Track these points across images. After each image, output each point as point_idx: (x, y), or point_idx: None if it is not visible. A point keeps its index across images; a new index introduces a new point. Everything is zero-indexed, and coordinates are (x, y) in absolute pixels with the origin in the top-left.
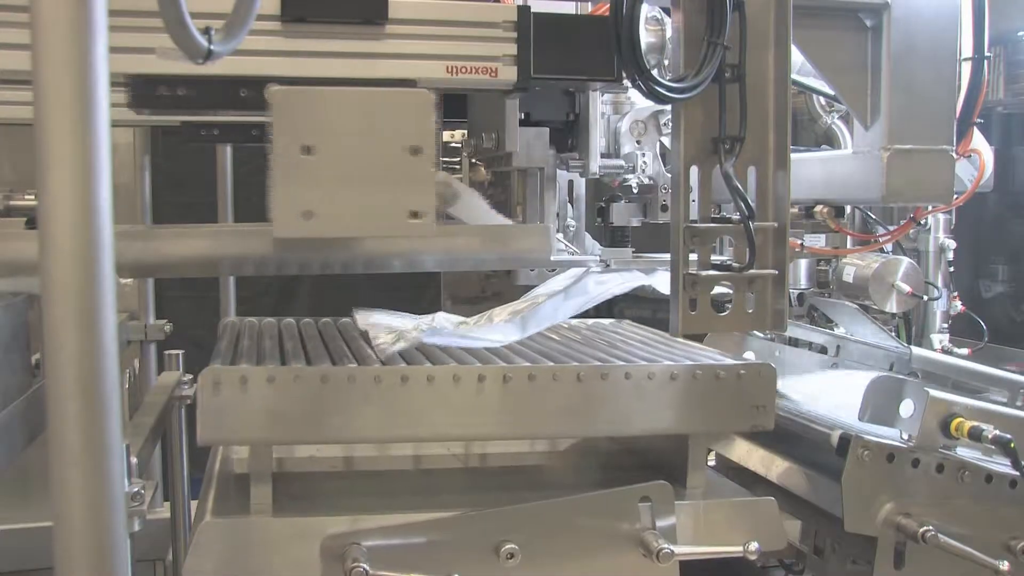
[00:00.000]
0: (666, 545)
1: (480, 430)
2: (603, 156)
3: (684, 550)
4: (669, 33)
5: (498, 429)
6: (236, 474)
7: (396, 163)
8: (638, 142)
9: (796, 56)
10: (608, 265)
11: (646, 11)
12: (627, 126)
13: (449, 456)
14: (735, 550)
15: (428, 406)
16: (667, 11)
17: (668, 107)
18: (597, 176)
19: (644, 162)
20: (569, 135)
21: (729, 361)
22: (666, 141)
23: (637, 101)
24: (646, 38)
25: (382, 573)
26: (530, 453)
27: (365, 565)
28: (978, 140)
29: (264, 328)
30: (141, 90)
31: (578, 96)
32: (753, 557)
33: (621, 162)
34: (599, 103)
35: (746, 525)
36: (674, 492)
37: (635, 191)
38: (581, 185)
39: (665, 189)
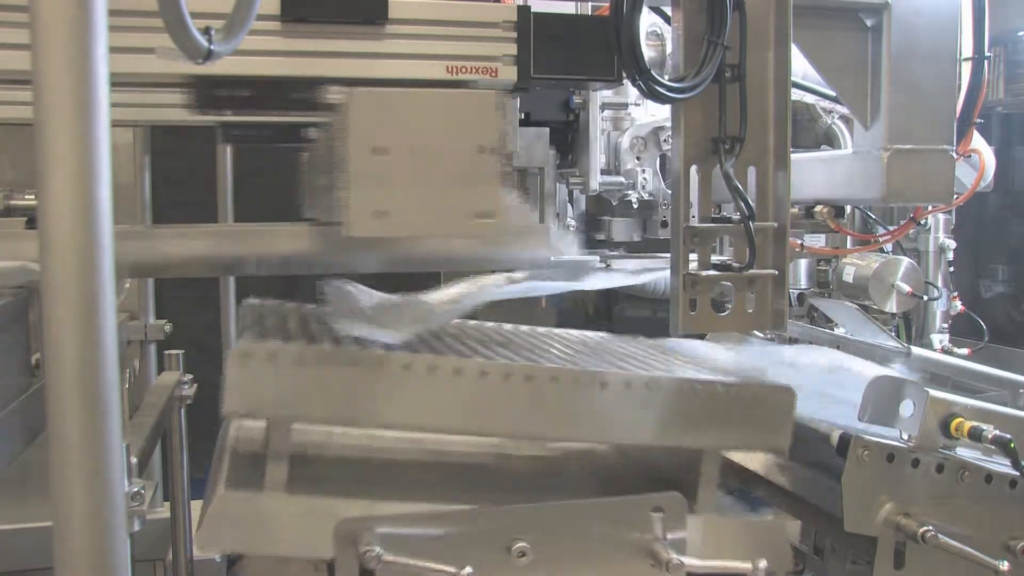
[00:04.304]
0: (676, 556)
1: (500, 426)
2: (603, 173)
3: (694, 563)
4: (669, 49)
5: (522, 427)
6: (248, 455)
7: (466, 163)
8: (638, 158)
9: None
10: (608, 265)
11: (647, 25)
12: (627, 143)
13: (468, 450)
14: (745, 566)
15: (449, 397)
16: (667, 19)
17: (668, 124)
18: (597, 193)
19: (644, 179)
20: (570, 151)
21: (747, 380)
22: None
23: (638, 117)
24: (646, 53)
25: (395, 559)
26: (552, 456)
27: (379, 548)
28: (978, 141)
29: (287, 312)
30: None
31: (580, 112)
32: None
33: (621, 179)
34: (599, 119)
35: (753, 544)
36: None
37: (635, 207)
38: None
39: (665, 205)
